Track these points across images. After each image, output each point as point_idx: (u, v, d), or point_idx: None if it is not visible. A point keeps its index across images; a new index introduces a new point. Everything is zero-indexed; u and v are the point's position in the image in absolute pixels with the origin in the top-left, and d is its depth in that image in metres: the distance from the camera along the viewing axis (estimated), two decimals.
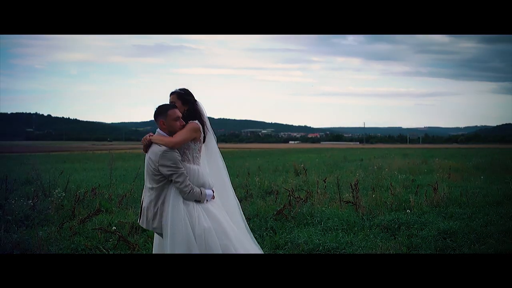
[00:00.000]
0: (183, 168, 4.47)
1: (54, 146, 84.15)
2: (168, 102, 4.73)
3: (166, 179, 4.46)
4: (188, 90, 4.78)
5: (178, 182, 4.41)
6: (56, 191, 10.16)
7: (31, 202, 9.12)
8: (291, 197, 9.50)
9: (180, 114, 4.58)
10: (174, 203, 4.45)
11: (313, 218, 8.48)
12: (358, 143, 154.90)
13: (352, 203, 9.19)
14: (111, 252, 6.63)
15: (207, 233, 4.41)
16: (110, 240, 7.21)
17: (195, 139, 4.62)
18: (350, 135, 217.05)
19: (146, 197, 4.57)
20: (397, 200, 10.25)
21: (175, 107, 4.61)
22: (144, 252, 6.59)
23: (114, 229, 7.29)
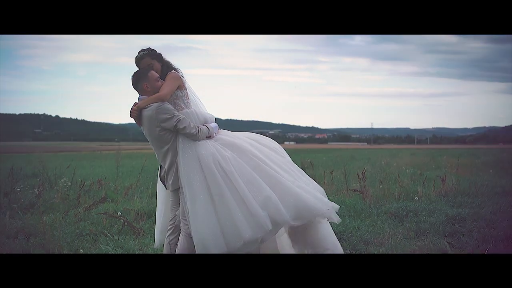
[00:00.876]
0: (181, 115, 4.46)
1: (62, 146, 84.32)
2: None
3: (173, 133, 4.44)
4: (149, 47, 4.72)
5: (184, 127, 4.40)
6: (62, 180, 10.13)
7: (37, 191, 9.10)
8: None
9: (157, 75, 4.58)
10: (184, 154, 4.43)
11: None
12: (366, 143, 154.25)
13: (360, 191, 9.10)
14: (115, 237, 6.58)
15: (233, 161, 4.42)
16: (115, 225, 7.17)
17: (179, 87, 4.62)
18: (357, 135, 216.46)
19: (166, 163, 4.52)
20: (405, 191, 10.14)
21: (152, 69, 4.59)
22: (150, 237, 6.54)
23: (119, 214, 7.24)
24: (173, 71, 4.65)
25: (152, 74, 4.54)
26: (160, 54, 4.70)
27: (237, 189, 4.32)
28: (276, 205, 4.31)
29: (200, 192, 4.33)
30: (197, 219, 4.29)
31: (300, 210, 4.38)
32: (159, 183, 4.83)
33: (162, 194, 4.86)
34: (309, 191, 4.54)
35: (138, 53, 4.67)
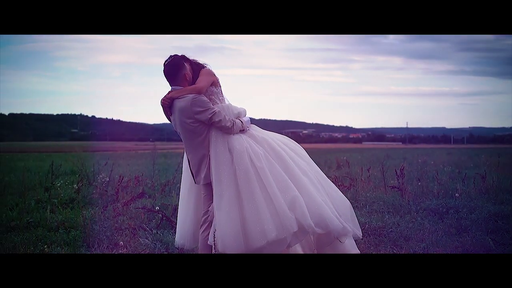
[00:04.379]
0: (216, 107, 4.46)
1: (98, 146, 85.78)
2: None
3: (206, 126, 4.42)
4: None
5: (219, 120, 4.39)
6: (100, 176, 10.27)
7: (76, 186, 9.25)
8: (335, 184, 9.35)
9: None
10: (215, 148, 4.42)
11: (357, 202, 8.32)
12: (401, 143, 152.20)
13: (398, 188, 8.97)
14: (154, 231, 6.63)
15: (264, 158, 4.40)
16: (153, 220, 7.23)
17: (214, 83, 4.62)
18: (392, 135, 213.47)
19: (196, 156, 4.49)
20: (444, 188, 9.96)
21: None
22: None
23: (158, 209, 7.30)
24: (207, 67, 4.66)
25: (186, 66, 4.56)
26: (183, 55, 4.62)
27: (266, 187, 4.29)
28: (302, 207, 4.25)
29: (227, 188, 4.31)
30: (221, 216, 4.27)
31: (322, 219, 4.29)
32: (184, 180, 4.81)
33: (185, 191, 4.83)
34: (329, 205, 4.42)
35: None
